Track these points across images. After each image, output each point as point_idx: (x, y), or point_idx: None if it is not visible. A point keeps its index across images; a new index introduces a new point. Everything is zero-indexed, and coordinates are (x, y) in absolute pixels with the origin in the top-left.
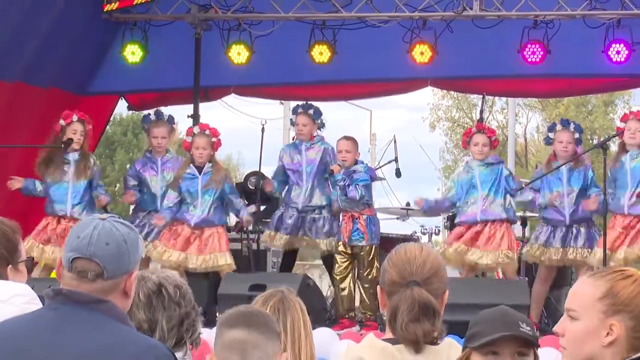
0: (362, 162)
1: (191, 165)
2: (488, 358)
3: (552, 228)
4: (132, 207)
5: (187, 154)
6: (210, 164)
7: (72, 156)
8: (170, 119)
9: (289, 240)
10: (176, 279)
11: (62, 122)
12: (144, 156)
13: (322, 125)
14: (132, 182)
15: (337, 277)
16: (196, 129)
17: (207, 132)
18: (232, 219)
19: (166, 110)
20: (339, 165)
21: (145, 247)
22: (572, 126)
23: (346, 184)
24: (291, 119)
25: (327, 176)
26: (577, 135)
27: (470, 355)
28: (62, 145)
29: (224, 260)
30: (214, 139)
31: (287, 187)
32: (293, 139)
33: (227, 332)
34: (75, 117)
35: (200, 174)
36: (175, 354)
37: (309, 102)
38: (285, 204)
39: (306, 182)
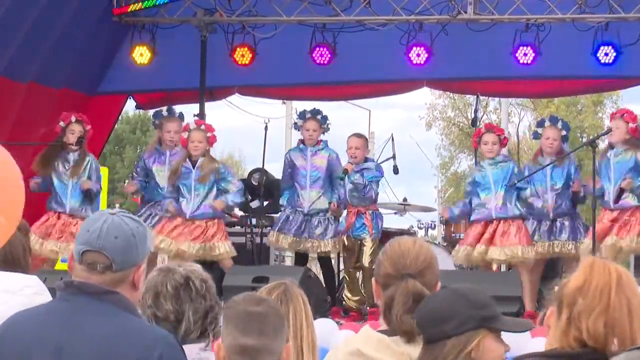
0: (372, 160)
1: (187, 159)
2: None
3: (536, 222)
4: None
5: (184, 149)
6: (204, 158)
7: (72, 156)
8: (181, 116)
9: (294, 242)
10: (202, 273)
11: (61, 123)
12: (154, 148)
13: (327, 130)
14: (140, 174)
15: (350, 272)
16: (192, 125)
17: (202, 127)
18: (237, 212)
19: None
20: (351, 163)
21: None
22: (560, 123)
23: (365, 184)
24: (295, 123)
25: (341, 176)
26: (563, 133)
27: (485, 336)
28: (60, 143)
29: (224, 249)
30: (209, 134)
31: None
32: (299, 143)
33: (240, 337)
34: (73, 118)
35: (194, 168)
36: (198, 344)
37: (316, 108)
38: (291, 206)
39: (309, 187)
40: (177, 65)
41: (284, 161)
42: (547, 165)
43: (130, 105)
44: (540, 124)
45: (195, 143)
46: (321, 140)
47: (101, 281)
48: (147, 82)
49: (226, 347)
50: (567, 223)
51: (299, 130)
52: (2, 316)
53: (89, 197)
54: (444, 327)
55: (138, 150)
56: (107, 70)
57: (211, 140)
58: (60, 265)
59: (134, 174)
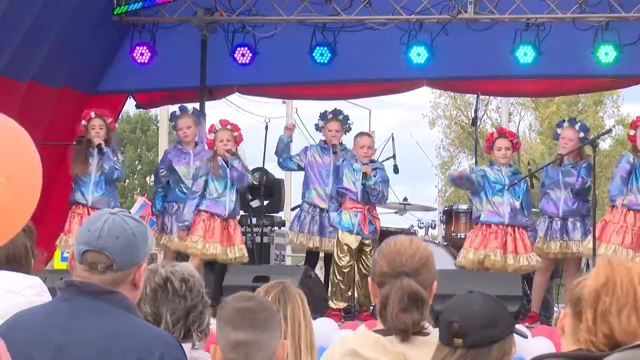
0: (376, 160)
1: (219, 158)
2: None
3: (549, 220)
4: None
5: (210, 151)
6: (239, 159)
7: (96, 151)
8: (195, 111)
9: (317, 240)
10: (184, 272)
11: (83, 122)
12: (175, 147)
13: (348, 130)
14: (163, 171)
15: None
16: (218, 125)
17: (229, 126)
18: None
19: (173, 109)
20: (366, 164)
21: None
22: (577, 125)
23: (379, 190)
24: (316, 124)
25: (364, 181)
26: (581, 135)
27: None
28: (75, 143)
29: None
30: (235, 134)
31: (307, 187)
32: (324, 144)
33: (231, 332)
34: (92, 114)
35: (227, 166)
36: (183, 345)
37: (338, 108)
38: (308, 204)
39: (331, 185)
40: (177, 65)
41: (305, 148)
42: (547, 165)
43: (130, 105)
44: (560, 124)
45: (224, 142)
46: (341, 143)
47: (102, 281)
48: (147, 82)
49: (221, 346)
50: (579, 224)
51: (320, 131)
52: (1, 316)
53: (100, 153)
54: (492, 331)
55: (138, 150)
56: (107, 69)
57: (238, 139)
58: (59, 265)
59: (161, 168)
